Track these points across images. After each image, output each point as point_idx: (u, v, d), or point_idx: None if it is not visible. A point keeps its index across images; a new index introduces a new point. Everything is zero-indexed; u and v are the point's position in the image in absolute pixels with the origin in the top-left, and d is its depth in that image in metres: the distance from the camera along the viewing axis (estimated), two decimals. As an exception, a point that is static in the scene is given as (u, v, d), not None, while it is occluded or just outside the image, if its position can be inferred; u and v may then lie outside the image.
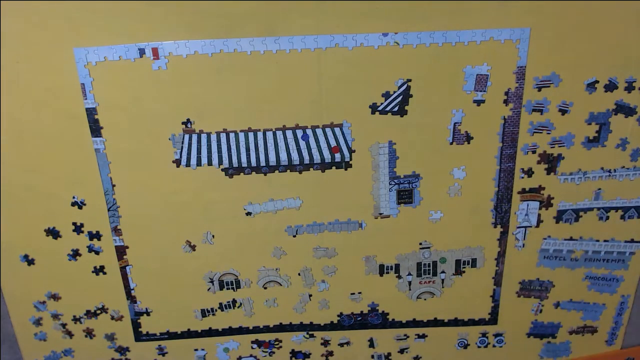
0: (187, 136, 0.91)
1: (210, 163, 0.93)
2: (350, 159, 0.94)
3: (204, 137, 0.91)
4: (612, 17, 0.83)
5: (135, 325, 1.07)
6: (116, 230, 0.98)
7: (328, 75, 0.87)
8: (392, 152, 0.93)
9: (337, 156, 0.94)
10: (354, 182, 0.95)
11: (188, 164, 0.93)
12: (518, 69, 0.87)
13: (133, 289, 1.03)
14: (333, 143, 0.92)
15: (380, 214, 0.98)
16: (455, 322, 1.09)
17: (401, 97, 0.88)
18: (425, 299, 1.06)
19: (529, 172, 0.94)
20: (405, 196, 0.96)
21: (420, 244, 1.01)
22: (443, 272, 1.04)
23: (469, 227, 0.99)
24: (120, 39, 0.83)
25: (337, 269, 1.03)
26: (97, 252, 1.00)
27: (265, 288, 1.05)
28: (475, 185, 0.96)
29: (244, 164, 0.93)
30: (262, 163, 0.93)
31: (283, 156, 0.93)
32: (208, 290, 1.04)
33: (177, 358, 1.11)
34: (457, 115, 0.90)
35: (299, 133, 0.92)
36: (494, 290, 1.05)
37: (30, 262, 1.00)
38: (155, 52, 0.84)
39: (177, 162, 0.93)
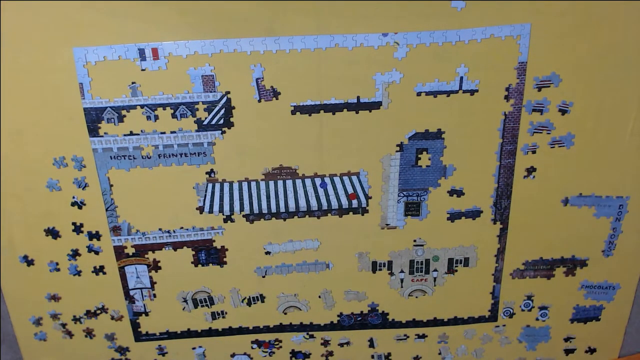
0: (210, 185, 0.94)
1: (232, 211, 0.96)
2: (367, 205, 0.96)
3: (226, 186, 0.94)
4: (612, 17, 0.83)
5: (135, 326, 1.07)
6: (114, 230, 0.98)
7: (328, 75, 0.87)
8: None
9: (354, 202, 0.96)
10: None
11: (211, 211, 0.96)
12: (519, 64, 0.87)
13: (132, 289, 1.03)
14: (350, 190, 0.95)
15: (387, 224, 0.99)
16: (455, 321, 1.09)
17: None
18: (417, 297, 1.06)
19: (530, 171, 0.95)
20: (413, 208, 0.97)
21: (415, 241, 1.01)
22: (435, 270, 1.04)
23: (468, 223, 0.99)
24: (120, 39, 0.83)
25: (334, 265, 1.03)
26: (96, 252, 1.00)
27: (286, 314, 1.07)
28: (475, 182, 0.96)
29: (265, 211, 0.96)
30: (282, 209, 0.96)
31: (302, 203, 0.96)
32: (183, 309, 1.05)
33: (177, 358, 1.11)
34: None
35: (318, 181, 0.95)
36: (494, 287, 1.05)
37: (30, 262, 1.00)
38: (155, 52, 0.84)
39: (201, 209, 0.96)
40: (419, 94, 0.88)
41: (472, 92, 0.88)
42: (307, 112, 0.89)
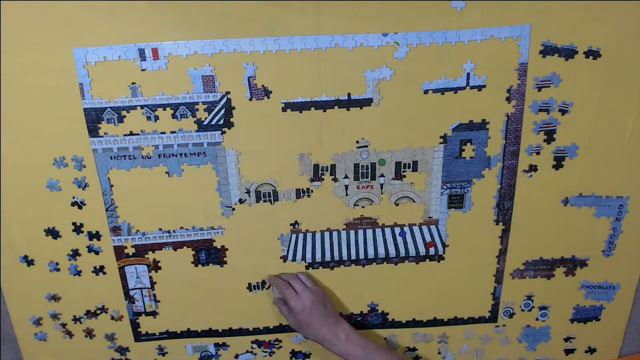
0: (293, 235, 1.00)
1: (314, 259, 1.01)
2: (444, 253, 1.01)
3: (309, 236, 1.00)
4: (612, 17, 0.84)
5: (134, 326, 1.07)
6: (114, 230, 0.98)
7: (328, 75, 0.87)
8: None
9: (432, 250, 1.00)
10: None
11: (294, 260, 1.02)
12: (520, 65, 0.87)
13: (131, 290, 1.03)
14: (428, 238, 0.98)
15: (430, 217, 0.99)
16: (455, 321, 1.09)
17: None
18: (363, 207, 0.99)
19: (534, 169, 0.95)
20: (457, 201, 0.97)
21: (357, 142, 0.93)
22: (382, 175, 0.97)
23: (470, 224, 0.99)
24: (120, 39, 0.83)
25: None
26: (96, 252, 1.00)
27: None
28: (477, 183, 0.96)
29: (345, 257, 1.00)
30: (361, 256, 1.00)
31: (380, 250, 0.99)
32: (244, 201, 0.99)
33: (177, 358, 1.11)
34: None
35: (397, 230, 0.98)
36: (495, 288, 1.05)
37: (30, 262, 1.00)
38: (155, 52, 0.84)
39: (284, 258, 1.02)
40: (426, 91, 0.88)
41: (480, 87, 0.88)
42: (298, 109, 0.89)
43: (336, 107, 0.89)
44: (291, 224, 0.98)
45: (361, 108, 0.89)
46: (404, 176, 0.96)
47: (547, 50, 0.85)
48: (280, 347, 1.11)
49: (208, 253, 1.00)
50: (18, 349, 1.10)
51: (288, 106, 0.89)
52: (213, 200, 0.96)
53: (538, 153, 0.93)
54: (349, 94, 0.88)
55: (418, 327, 1.09)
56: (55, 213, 0.96)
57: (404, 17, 0.83)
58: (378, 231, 0.99)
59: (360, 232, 0.99)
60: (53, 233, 0.98)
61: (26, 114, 0.88)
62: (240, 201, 0.96)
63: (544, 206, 0.98)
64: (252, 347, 1.11)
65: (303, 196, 0.96)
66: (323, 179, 0.96)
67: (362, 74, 0.87)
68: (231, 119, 0.90)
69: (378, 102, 0.89)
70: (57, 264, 1.00)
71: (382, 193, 0.97)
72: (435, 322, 1.09)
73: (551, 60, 0.86)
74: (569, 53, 0.86)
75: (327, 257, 1.01)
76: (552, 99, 0.89)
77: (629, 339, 1.11)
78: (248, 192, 0.96)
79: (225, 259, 1.01)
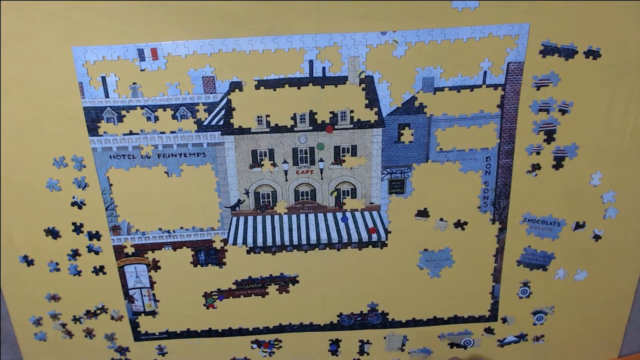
0: (234, 218, 0.97)
1: (255, 243, 0.99)
2: (386, 239, 0.99)
3: (250, 219, 0.98)
4: (612, 17, 0.84)
5: (134, 325, 1.07)
6: (114, 230, 0.98)
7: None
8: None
9: (374, 236, 0.99)
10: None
11: (235, 243, 0.99)
12: (516, 64, 0.87)
13: (131, 289, 1.03)
14: (371, 225, 0.97)
15: (371, 203, 0.98)
16: (455, 320, 1.09)
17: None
18: (304, 194, 0.98)
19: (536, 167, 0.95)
20: (397, 186, 0.96)
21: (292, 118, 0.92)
22: (321, 160, 0.96)
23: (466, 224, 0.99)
24: (119, 39, 0.83)
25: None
26: (96, 252, 1.00)
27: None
28: (472, 182, 0.96)
29: (287, 243, 0.99)
30: (304, 242, 0.99)
31: (323, 236, 0.98)
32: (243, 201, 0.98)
33: (177, 358, 1.11)
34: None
35: (339, 215, 0.97)
36: (493, 287, 1.05)
37: (30, 262, 1.00)
38: (154, 52, 0.84)
39: (225, 242, 0.99)
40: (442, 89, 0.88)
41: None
42: (272, 87, 0.88)
43: (310, 84, 0.88)
44: (231, 207, 0.97)
45: (336, 86, 0.88)
46: (344, 161, 0.94)
47: (547, 50, 0.85)
48: (280, 347, 1.11)
49: (207, 253, 1.01)
50: (18, 349, 1.10)
51: (261, 83, 0.88)
52: (212, 201, 0.96)
53: (538, 153, 0.93)
54: (323, 69, 0.87)
55: (418, 327, 1.09)
56: (55, 213, 0.96)
57: (402, 15, 0.83)
58: (320, 216, 0.98)
59: (303, 216, 0.98)
60: (53, 233, 0.98)
61: (26, 113, 0.88)
62: (239, 202, 0.96)
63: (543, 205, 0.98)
64: (252, 347, 1.11)
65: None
66: (262, 165, 0.95)
67: (337, 51, 0.86)
68: (231, 120, 0.90)
69: (353, 80, 0.88)
70: (57, 264, 1.01)
71: (322, 178, 0.96)
72: (435, 321, 1.09)
73: (551, 60, 0.86)
74: (569, 53, 0.86)
75: (269, 242, 1.00)
76: (552, 98, 0.89)
77: (629, 339, 1.11)
78: (247, 192, 0.96)
79: (224, 260, 1.01)
